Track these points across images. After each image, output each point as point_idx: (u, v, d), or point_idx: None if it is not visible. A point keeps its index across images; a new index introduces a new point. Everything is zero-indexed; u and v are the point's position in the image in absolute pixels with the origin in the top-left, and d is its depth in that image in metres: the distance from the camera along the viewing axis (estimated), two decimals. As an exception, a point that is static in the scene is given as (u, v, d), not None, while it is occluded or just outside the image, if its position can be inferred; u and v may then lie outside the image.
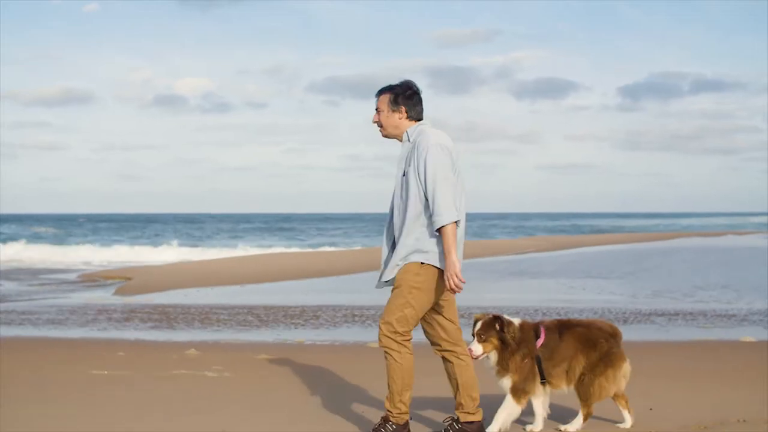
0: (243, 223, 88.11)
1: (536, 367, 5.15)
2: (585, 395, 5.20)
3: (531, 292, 16.13)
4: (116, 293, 16.81)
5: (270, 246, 42.49)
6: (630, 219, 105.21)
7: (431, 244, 4.94)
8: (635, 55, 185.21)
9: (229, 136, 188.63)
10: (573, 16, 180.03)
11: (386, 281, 5.11)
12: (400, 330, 4.93)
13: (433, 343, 5.21)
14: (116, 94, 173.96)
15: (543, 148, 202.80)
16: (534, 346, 5.14)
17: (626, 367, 5.26)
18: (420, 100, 5.16)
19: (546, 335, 5.19)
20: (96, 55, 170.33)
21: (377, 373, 6.44)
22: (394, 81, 5.22)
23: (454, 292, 4.88)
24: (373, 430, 5.07)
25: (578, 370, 5.18)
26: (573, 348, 5.17)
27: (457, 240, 4.90)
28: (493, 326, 5.13)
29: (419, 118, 5.16)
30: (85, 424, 5.78)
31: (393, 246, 5.10)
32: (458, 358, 5.12)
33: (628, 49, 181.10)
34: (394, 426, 5.04)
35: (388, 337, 4.95)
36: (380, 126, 5.22)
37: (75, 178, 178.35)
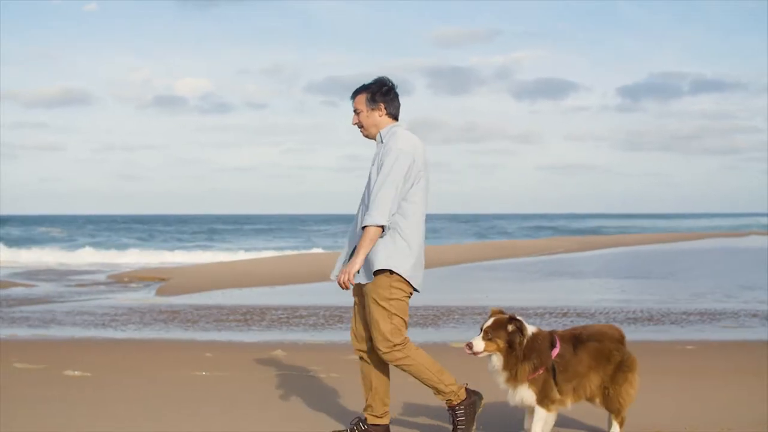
0: (251, 224, 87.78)
1: (552, 378, 4.88)
2: (614, 408, 5.00)
3: (582, 293, 16.04)
4: (159, 294, 16.67)
5: (294, 248, 42.20)
6: (632, 220, 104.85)
7: (396, 254, 4.84)
8: (635, 56, 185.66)
9: (228, 136, 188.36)
10: (572, 16, 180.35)
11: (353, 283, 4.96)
12: (397, 341, 4.89)
13: (355, 339, 5.13)
14: (115, 94, 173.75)
15: (543, 149, 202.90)
16: (549, 357, 4.87)
17: (638, 372, 5.07)
18: (396, 96, 5.07)
19: (561, 346, 4.93)
20: (95, 55, 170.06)
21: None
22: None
23: (340, 288, 4.85)
24: (456, 422, 4.99)
25: (588, 387, 4.96)
26: (586, 365, 4.94)
27: (417, 246, 4.86)
28: (505, 327, 4.84)
29: (397, 115, 5.08)
30: (236, 421, 5.72)
31: (354, 242, 5.00)
32: (378, 359, 5.04)
33: (627, 49, 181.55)
34: (462, 405, 4.99)
35: (391, 352, 4.90)
36: (361, 127, 5.12)
37: (74, 178, 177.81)
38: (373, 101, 5.02)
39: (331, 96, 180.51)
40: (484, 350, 4.81)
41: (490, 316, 4.90)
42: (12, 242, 44.34)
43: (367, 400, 5.11)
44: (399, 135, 4.94)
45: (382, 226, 4.77)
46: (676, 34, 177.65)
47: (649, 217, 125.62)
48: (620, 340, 5.03)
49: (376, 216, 4.75)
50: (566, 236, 51.30)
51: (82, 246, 42.12)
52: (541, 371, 4.82)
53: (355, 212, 5.10)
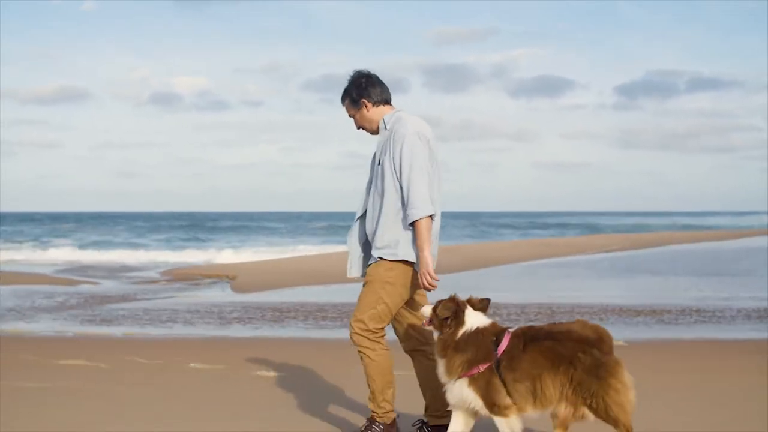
0: (265, 221, 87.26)
1: (497, 378, 4.38)
2: (610, 420, 4.34)
3: (671, 290, 15.84)
4: (239, 291, 16.40)
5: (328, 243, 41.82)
6: (631, 217, 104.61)
7: (404, 239, 4.71)
8: (632, 54, 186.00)
9: (226, 134, 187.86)
10: (569, 15, 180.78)
11: (359, 276, 4.93)
12: (373, 327, 4.73)
13: (402, 341, 4.98)
14: (112, 92, 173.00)
15: (539, 147, 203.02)
16: (491, 353, 4.38)
17: (627, 376, 4.36)
18: (374, 82, 4.92)
19: (510, 342, 4.41)
20: (93, 54, 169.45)
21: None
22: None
23: (427, 290, 4.66)
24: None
25: (548, 392, 4.35)
26: (538, 365, 4.35)
27: (431, 235, 4.68)
28: (433, 309, 4.55)
29: (387, 99, 4.95)
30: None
31: (364, 238, 4.90)
32: (428, 358, 4.87)
33: (624, 48, 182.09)
34: (381, 426, 4.83)
35: (361, 335, 4.75)
36: (361, 128, 5.06)
37: (72, 176, 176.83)
38: (355, 102, 4.94)
39: (329, 94, 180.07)
40: (429, 317, 4.57)
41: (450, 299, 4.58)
42: (34, 239, 43.97)
43: (425, 399, 4.95)
44: (405, 120, 4.81)
45: (431, 216, 4.62)
46: (673, 33, 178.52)
47: (649, 215, 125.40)
48: (592, 342, 4.34)
49: (419, 209, 4.59)
50: (603, 234, 50.33)
51: (105, 244, 41.82)
52: (480, 369, 4.39)
53: (362, 204, 4.94)
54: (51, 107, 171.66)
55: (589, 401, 4.31)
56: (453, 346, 4.44)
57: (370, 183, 4.93)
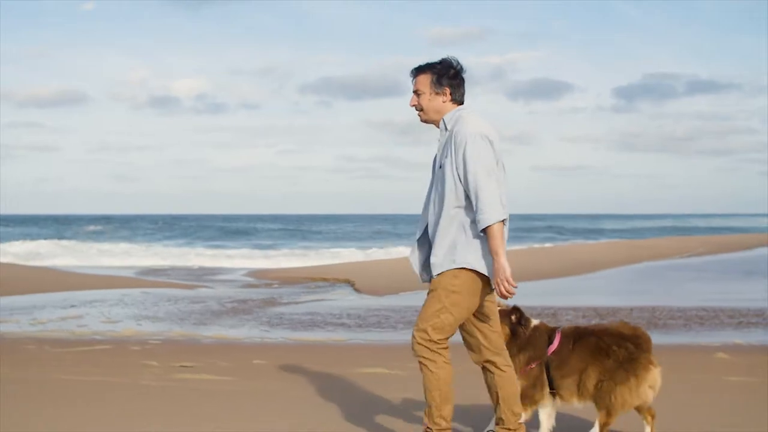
0: (287, 223, 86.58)
1: (545, 374, 4.72)
2: (603, 403, 4.61)
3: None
4: (367, 294, 15.75)
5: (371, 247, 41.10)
6: (630, 221, 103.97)
7: (470, 245, 4.42)
8: (630, 56, 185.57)
9: (223, 137, 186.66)
10: (567, 17, 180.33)
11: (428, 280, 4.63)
12: (436, 338, 4.45)
13: (472, 352, 4.68)
14: (110, 94, 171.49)
15: (538, 150, 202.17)
16: (544, 352, 4.73)
17: (653, 376, 4.61)
18: (463, 81, 4.62)
19: (560, 342, 4.74)
20: (90, 55, 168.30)
21: None
22: (434, 59, 4.61)
23: (505, 298, 4.36)
24: None
25: (590, 384, 4.66)
26: (584, 360, 4.69)
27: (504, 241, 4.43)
28: (509, 315, 4.79)
29: (462, 101, 4.62)
30: None
31: (428, 243, 4.58)
32: (500, 368, 4.61)
33: (622, 50, 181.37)
34: None
35: (423, 345, 4.47)
36: (420, 110, 4.61)
37: (70, 179, 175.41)
38: (438, 84, 4.55)
39: (325, 96, 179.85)
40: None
41: None
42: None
43: (496, 412, 4.66)
44: (467, 119, 4.49)
45: (503, 221, 4.35)
46: (671, 35, 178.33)
47: (650, 218, 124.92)
48: (630, 339, 4.64)
49: (490, 214, 4.31)
50: (675, 237, 49.22)
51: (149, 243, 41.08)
52: (533, 365, 4.69)
53: (422, 208, 4.64)
54: (48, 109, 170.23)
55: (602, 383, 4.58)
56: (519, 348, 4.78)
57: (431, 186, 4.61)
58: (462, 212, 4.42)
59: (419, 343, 4.46)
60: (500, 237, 4.31)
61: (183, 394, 6.46)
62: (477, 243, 4.40)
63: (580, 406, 4.77)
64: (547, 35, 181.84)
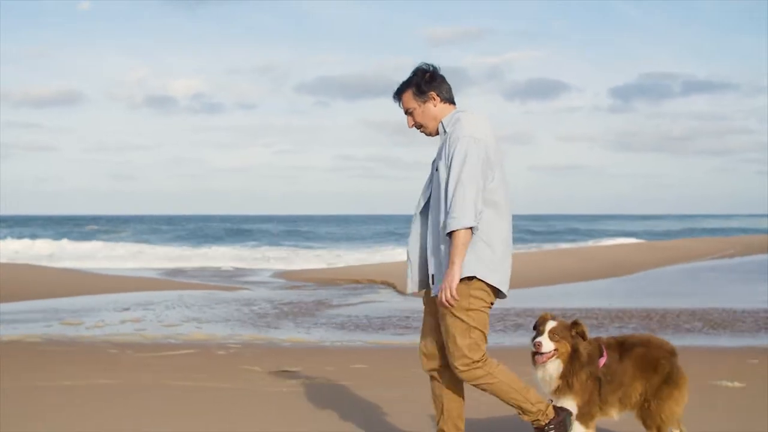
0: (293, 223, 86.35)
1: (597, 390, 4.45)
2: (654, 424, 4.47)
3: None
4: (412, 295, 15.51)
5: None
6: (630, 222, 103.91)
7: (472, 255, 4.25)
8: (626, 56, 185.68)
9: (221, 136, 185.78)
10: (564, 17, 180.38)
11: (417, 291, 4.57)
12: (477, 357, 4.33)
13: (424, 358, 4.57)
14: (106, 94, 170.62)
15: (535, 150, 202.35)
16: (597, 366, 4.45)
17: (688, 388, 4.56)
18: (443, 78, 4.51)
19: (608, 355, 4.49)
20: (87, 55, 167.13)
21: None
22: (402, 77, 4.54)
23: (443, 306, 4.24)
24: None
25: (633, 396, 4.49)
26: (630, 374, 4.48)
27: (506, 246, 4.37)
28: (570, 330, 4.41)
29: (452, 98, 4.53)
30: None
31: (423, 248, 4.46)
32: (449, 380, 4.52)
33: (619, 50, 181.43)
34: (552, 425, 4.42)
35: (470, 371, 4.35)
36: (419, 127, 4.55)
37: (68, 178, 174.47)
38: (421, 93, 4.48)
39: (323, 96, 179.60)
40: (554, 350, 4.36)
41: (546, 320, 4.44)
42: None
43: (438, 423, 4.58)
44: (465, 121, 4.38)
45: (471, 228, 4.20)
46: (668, 35, 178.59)
47: (647, 218, 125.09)
48: (669, 350, 4.55)
49: (460, 218, 4.17)
50: (698, 237, 48.75)
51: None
52: (589, 381, 4.44)
53: (413, 216, 4.55)
54: (46, 109, 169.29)
55: (649, 403, 4.43)
56: (581, 366, 4.41)
57: (427, 189, 4.51)
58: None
59: (466, 371, 4.35)
60: (462, 245, 4.18)
61: (315, 400, 6.29)
62: (478, 253, 4.27)
63: (616, 419, 4.59)
64: (545, 35, 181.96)
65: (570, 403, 4.41)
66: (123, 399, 6.29)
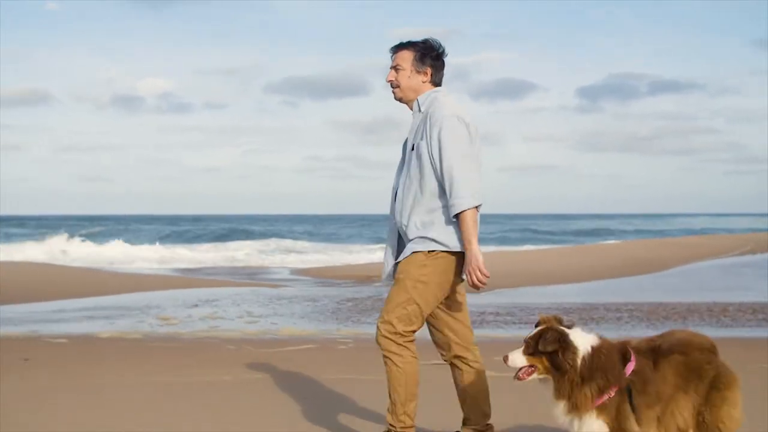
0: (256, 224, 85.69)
1: (628, 402, 3.77)
2: None
3: None
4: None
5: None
6: (601, 220, 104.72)
7: (442, 229, 4.28)
8: (593, 57, 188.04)
9: (190, 137, 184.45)
10: (531, 18, 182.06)
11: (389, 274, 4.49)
12: (402, 330, 4.29)
13: (439, 347, 4.55)
14: (73, 94, 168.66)
15: (503, 150, 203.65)
16: (621, 374, 3.76)
17: (738, 387, 3.97)
18: (444, 65, 4.53)
19: (637, 360, 3.84)
20: (54, 55, 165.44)
21: None
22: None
23: (477, 288, 4.21)
24: None
25: (679, 416, 3.87)
26: (672, 384, 3.86)
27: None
28: (535, 345, 3.76)
29: (440, 84, 4.52)
30: None
31: (398, 234, 4.46)
32: (469, 365, 4.50)
33: (586, 51, 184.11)
34: None
35: (388, 338, 4.31)
36: (396, 86, 4.49)
37: (36, 179, 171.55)
38: (421, 62, 4.44)
39: (290, 96, 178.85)
40: (526, 367, 3.77)
41: (538, 324, 3.84)
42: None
43: (464, 411, 4.56)
44: (443, 101, 4.39)
45: (477, 207, 4.21)
46: (636, 36, 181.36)
47: (614, 217, 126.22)
48: (711, 349, 3.97)
49: (465, 199, 4.17)
50: (703, 235, 48.89)
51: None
52: (611, 394, 3.73)
53: (392, 191, 4.51)
54: (12, 110, 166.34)
55: (703, 416, 3.87)
56: (580, 379, 3.71)
57: (401, 169, 4.48)
58: (436, 195, 4.28)
59: (384, 336, 4.29)
60: (473, 224, 4.17)
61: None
62: (451, 227, 4.25)
63: None
64: (511, 36, 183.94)
65: (595, 425, 3.74)
66: (290, 393, 6.28)
